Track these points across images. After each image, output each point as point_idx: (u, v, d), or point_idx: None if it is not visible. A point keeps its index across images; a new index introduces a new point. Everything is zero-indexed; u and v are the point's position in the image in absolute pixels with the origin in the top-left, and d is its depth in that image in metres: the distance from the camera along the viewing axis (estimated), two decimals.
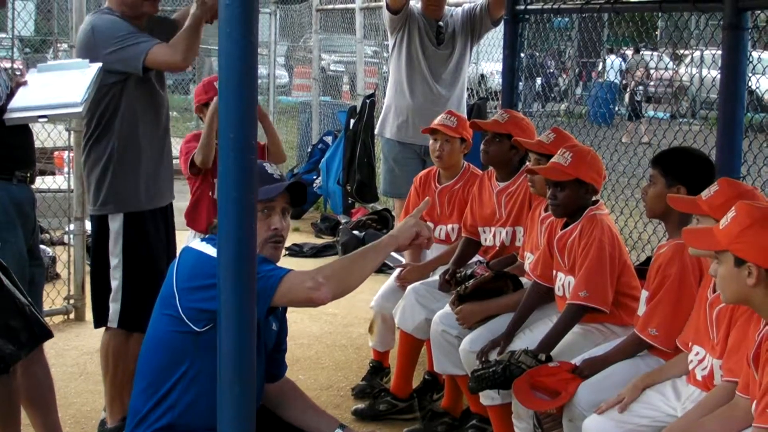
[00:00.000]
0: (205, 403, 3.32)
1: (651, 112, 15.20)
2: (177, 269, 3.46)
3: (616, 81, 17.66)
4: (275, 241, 3.54)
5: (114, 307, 5.05)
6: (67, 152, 7.97)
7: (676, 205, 3.90)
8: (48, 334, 4.24)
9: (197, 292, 3.29)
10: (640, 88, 16.88)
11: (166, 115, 5.22)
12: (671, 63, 14.49)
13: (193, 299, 3.34)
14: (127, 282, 5.02)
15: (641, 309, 4.13)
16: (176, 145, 5.97)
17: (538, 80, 11.16)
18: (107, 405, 5.15)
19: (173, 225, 5.31)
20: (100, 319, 5.16)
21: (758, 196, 3.78)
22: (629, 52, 19.85)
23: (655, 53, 16.98)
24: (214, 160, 5.42)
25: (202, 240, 3.52)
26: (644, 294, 4.13)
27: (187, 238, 6.17)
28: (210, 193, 5.61)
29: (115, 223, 5.01)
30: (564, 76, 17.98)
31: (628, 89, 16.91)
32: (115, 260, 5.02)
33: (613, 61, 18.73)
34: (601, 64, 18.36)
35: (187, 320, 3.37)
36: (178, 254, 3.55)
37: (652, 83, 17.43)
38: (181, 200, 5.70)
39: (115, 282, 5.03)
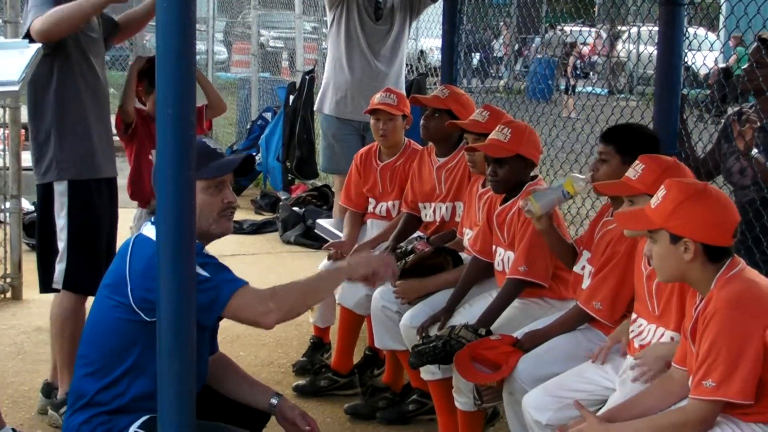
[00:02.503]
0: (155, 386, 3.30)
1: (589, 88, 15.31)
2: (130, 256, 3.42)
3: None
4: (230, 214, 3.58)
5: (60, 268, 5.03)
6: (2, 129, 7.83)
7: (608, 191, 3.92)
8: None
9: (151, 283, 3.24)
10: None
11: (106, 93, 5.19)
12: (606, 39, 14.58)
13: (146, 289, 3.29)
14: (72, 243, 5.00)
15: (585, 283, 4.14)
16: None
17: (477, 56, 11.16)
18: (59, 374, 5.10)
19: (116, 199, 5.28)
20: (46, 283, 5.13)
21: (682, 167, 3.82)
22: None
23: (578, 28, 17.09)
24: (151, 131, 5.41)
25: (153, 223, 3.46)
26: (588, 268, 4.14)
27: (134, 217, 6.11)
28: (150, 158, 5.60)
29: (60, 187, 5.00)
30: (502, 47, 18.01)
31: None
32: (61, 222, 5.01)
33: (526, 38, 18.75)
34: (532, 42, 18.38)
35: (137, 310, 3.35)
36: (131, 242, 3.49)
37: (583, 59, 17.53)
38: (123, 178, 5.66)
39: (62, 243, 5.02)
